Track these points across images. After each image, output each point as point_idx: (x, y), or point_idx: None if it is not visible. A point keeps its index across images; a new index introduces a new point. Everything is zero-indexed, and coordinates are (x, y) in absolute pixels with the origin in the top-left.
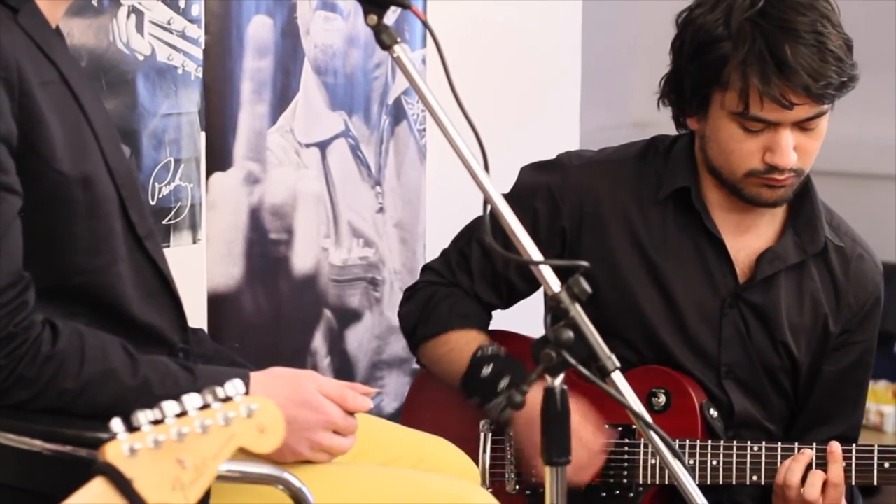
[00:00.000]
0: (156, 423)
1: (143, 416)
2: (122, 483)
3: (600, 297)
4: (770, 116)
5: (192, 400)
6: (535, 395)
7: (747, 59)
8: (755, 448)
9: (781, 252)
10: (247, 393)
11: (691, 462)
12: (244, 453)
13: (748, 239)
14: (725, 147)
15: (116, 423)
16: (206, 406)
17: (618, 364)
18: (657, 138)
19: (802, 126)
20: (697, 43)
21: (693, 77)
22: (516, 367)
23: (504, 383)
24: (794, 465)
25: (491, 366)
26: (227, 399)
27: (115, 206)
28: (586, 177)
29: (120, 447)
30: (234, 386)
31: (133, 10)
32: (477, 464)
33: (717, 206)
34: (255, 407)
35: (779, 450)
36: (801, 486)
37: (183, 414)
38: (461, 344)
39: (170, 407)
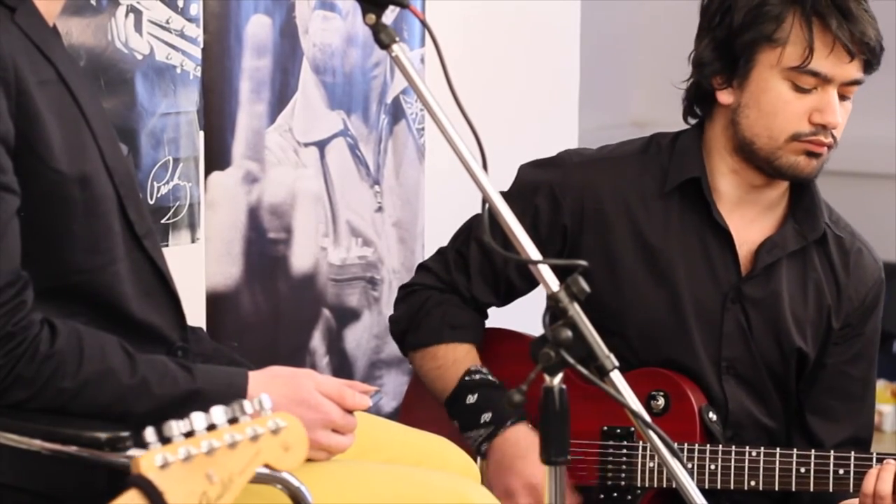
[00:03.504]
0: (187, 435)
1: (176, 428)
2: (154, 496)
3: (600, 294)
4: (827, 69)
5: (220, 413)
6: (509, 440)
7: (814, 8)
8: (754, 453)
9: (780, 240)
10: (245, 391)
11: (689, 466)
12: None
13: (752, 231)
14: (770, 110)
15: (150, 434)
16: (234, 420)
17: (616, 363)
18: (658, 135)
19: (842, 93)
20: (746, 7)
21: (740, 41)
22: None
23: (486, 417)
24: (885, 475)
25: (477, 395)
26: (255, 413)
27: (113, 204)
28: (587, 174)
29: (153, 459)
30: (261, 401)
31: (131, 9)
32: (476, 458)
33: (726, 197)
34: (283, 425)
35: (777, 455)
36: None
37: (212, 427)
38: (449, 361)
39: (199, 420)
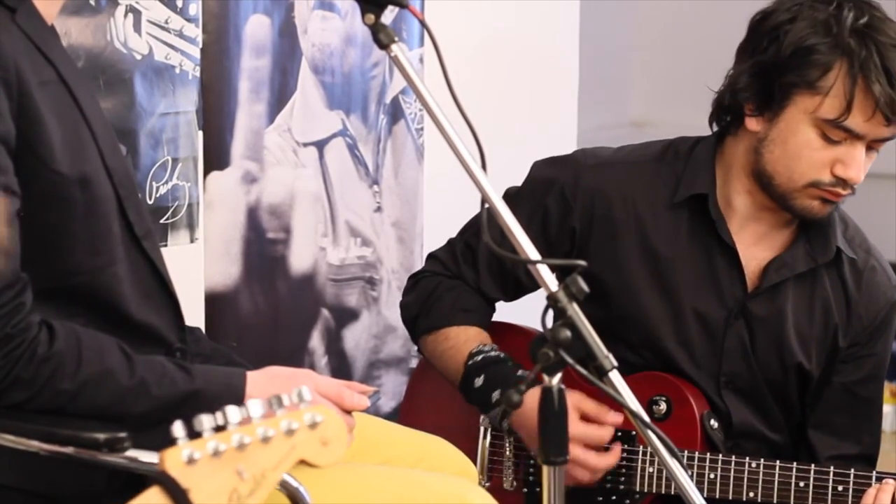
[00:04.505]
0: (218, 429)
1: (207, 422)
2: (177, 494)
3: (605, 299)
4: (861, 129)
5: (255, 407)
6: (526, 409)
7: (863, 68)
8: (753, 465)
9: (789, 260)
10: (244, 392)
11: (689, 473)
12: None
13: (761, 249)
14: (795, 153)
15: (178, 428)
16: (269, 413)
17: (615, 363)
18: (679, 140)
19: (872, 146)
20: (795, 48)
21: (781, 79)
22: (507, 373)
23: (496, 395)
24: (883, 496)
25: (482, 376)
26: (292, 406)
27: (112, 205)
28: (600, 178)
29: (179, 455)
30: (299, 394)
31: (130, 9)
32: (476, 458)
33: (738, 213)
34: (320, 419)
35: (777, 468)
36: None
37: (246, 421)
38: (460, 342)
39: (233, 413)
